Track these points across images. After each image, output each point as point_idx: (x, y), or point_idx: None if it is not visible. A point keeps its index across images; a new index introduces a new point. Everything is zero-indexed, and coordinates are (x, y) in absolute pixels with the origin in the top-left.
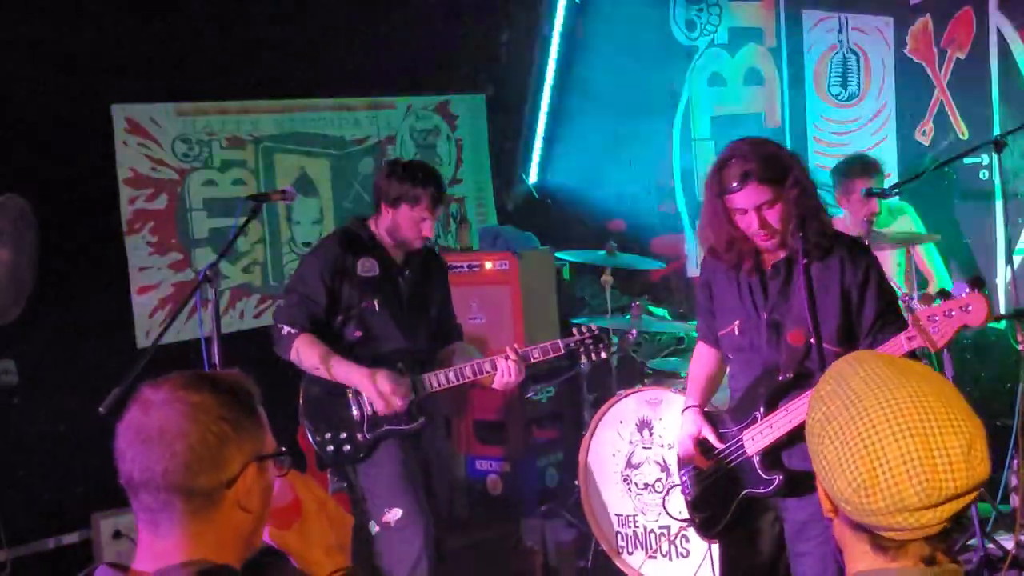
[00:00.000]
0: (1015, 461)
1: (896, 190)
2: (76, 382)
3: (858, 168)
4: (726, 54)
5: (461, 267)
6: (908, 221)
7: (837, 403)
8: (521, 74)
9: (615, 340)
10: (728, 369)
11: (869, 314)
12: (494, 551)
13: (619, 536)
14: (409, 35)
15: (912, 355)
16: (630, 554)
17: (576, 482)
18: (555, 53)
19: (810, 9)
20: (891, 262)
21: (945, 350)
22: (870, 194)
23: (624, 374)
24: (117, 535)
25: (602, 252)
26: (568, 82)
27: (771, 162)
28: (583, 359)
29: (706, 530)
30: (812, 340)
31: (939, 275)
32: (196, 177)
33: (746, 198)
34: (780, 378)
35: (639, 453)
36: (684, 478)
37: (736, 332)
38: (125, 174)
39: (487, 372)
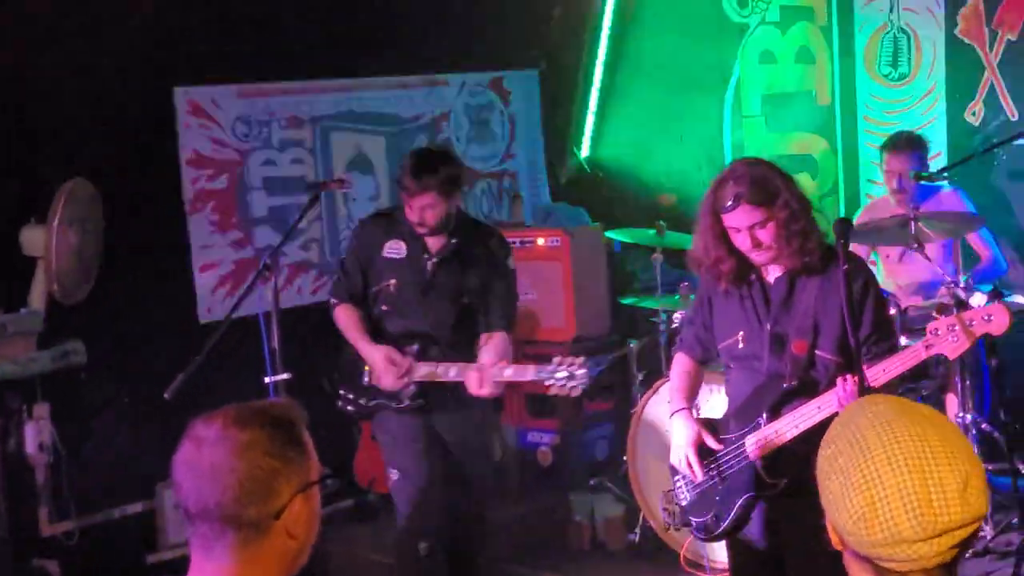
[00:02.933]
0: None
1: (944, 173)
2: (141, 357)
3: (894, 141)
4: (777, 32)
5: (513, 243)
6: (957, 202)
7: (843, 442)
8: (574, 50)
9: (663, 318)
10: (727, 377)
11: (865, 329)
12: (543, 523)
13: (666, 512)
14: (462, 12)
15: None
16: (678, 530)
17: (624, 458)
18: (607, 29)
19: None
20: (936, 243)
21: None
22: (919, 177)
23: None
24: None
25: (652, 231)
26: (620, 58)
27: (762, 184)
28: (554, 390)
29: (706, 534)
30: (817, 351)
31: (994, 253)
32: (256, 157)
33: (738, 218)
34: (785, 386)
35: None
36: (679, 483)
37: (740, 343)
38: (187, 155)
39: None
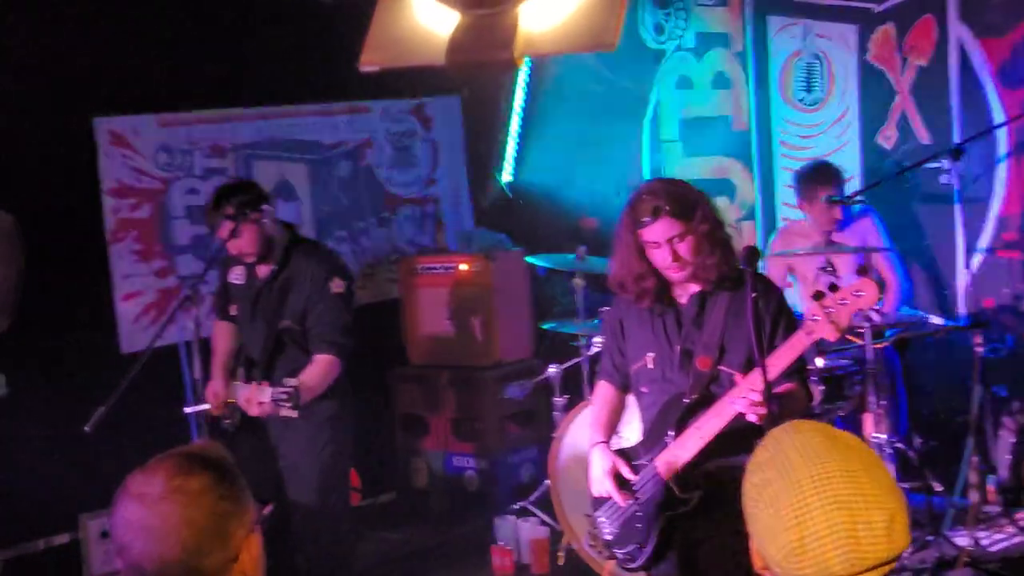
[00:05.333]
0: (973, 457)
1: (858, 196)
2: (63, 388)
3: (819, 175)
4: (694, 58)
5: (436, 268)
6: (870, 225)
7: (773, 472)
8: (495, 76)
9: (584, 343)
10: (640, 403)
11: (777, 345)
12: (468, 547)
13: (589, 535)
14: None
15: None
16: (600, 552)
17: (547, 481)
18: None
19: (776, 15)
20: (849, 266)
21: (900, 353)
22: (832, 201)
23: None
24: (104, 535)
25: (572, 256)
26: (540, 83)
27: (680, 198)
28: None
29: (632, 563)
30: (721, 367)
31: (899, 280)
32: (179, 186)
33: (658, 231)
34: (686, 400)
35: None
36: (601, 518)
37: (649, 364)
38: (109, 184)
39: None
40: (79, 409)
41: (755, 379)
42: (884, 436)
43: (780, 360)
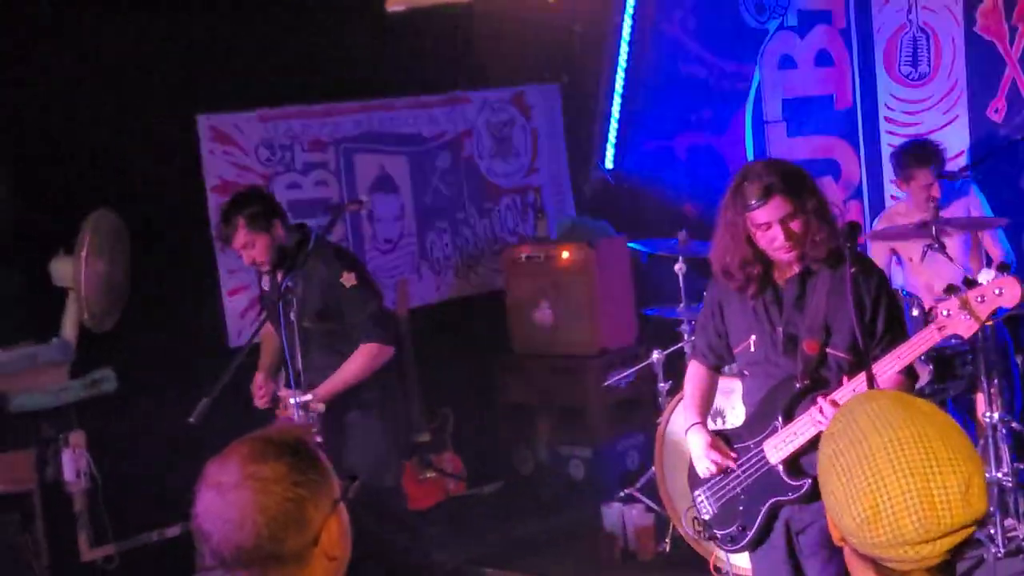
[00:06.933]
0: None
1: (965, 173)
2: (173, 382)
3: (915, 153)
4: (796, 36)
5: (538, 257)
6: (973, 199)
7: (845, 441)
8: (594, 61)
9: (688, 328)
10: (743, 386)
11: (879, 328)
12: (574, 535)
13: (687, 514)
14: (482, 29)
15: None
16: (697, 531)
17: (653, 468)
18: (627, 38)
19: None
20: (957, 242)
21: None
22: (939, 177)
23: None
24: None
25: (675, 240)
26: (640, 67)
27: (788, 176)
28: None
29: (733, 545)
30: (828, 349)
31: (1006, 255)
32: (280, 181)
33: (770, 212)
34: (797, 386)
35: None
36: (700, 497)
37: (752, 347)
38: (213, 182)
39: None
40: (189, 403)
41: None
42: (997, 415)
43: (906, 356)
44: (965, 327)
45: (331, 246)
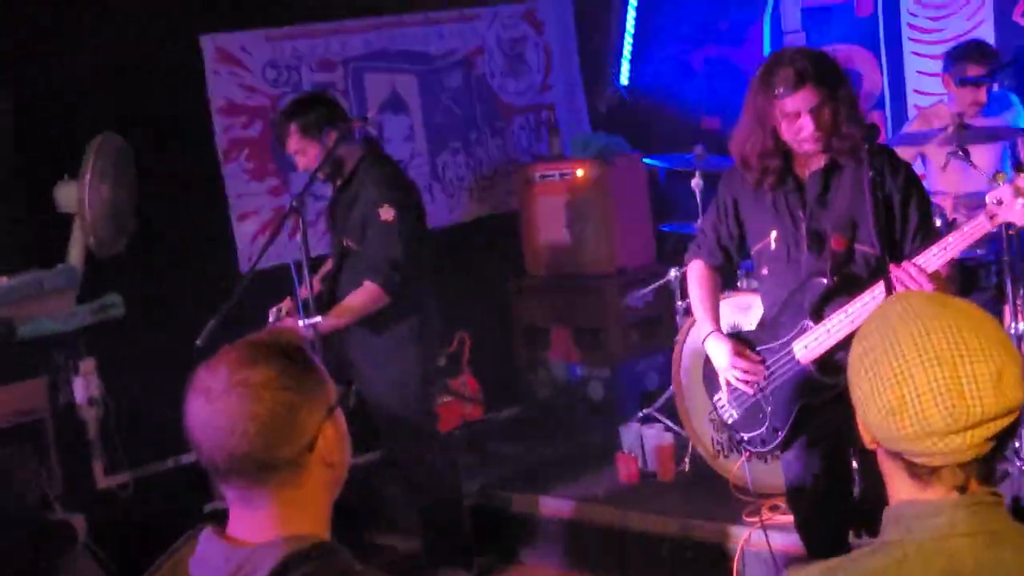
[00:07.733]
0: None
1: (989, 77)
2: (183, 308)
3: (971, 54)
4: None
5: (553, 176)
6: (1012, 110)
7: (876, 338)
8: None
9: None
10: (761, 285)
11: (912, 224)
12: (593, 456)
13: (715, 440)
14: None
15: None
16: (726, 457)
17: (671, 388)
18: None
19: None
20: (990, 153)
21: None
22: (964, 83)
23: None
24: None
25: (692, 156)
26: None
27: (822, 64)
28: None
29: (763, 447)
30: (856, 244)
31: None
32: (288, 101)
33: (802, 100)
34: (826, 282)
35: None
36: (721, 402)
37: (772, 244)
38: (219, 103)
39: None
40: (198, 329)
41: (915, 266)
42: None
43: (953, 247)
44: (1019, 215)
45: (389, 168)
